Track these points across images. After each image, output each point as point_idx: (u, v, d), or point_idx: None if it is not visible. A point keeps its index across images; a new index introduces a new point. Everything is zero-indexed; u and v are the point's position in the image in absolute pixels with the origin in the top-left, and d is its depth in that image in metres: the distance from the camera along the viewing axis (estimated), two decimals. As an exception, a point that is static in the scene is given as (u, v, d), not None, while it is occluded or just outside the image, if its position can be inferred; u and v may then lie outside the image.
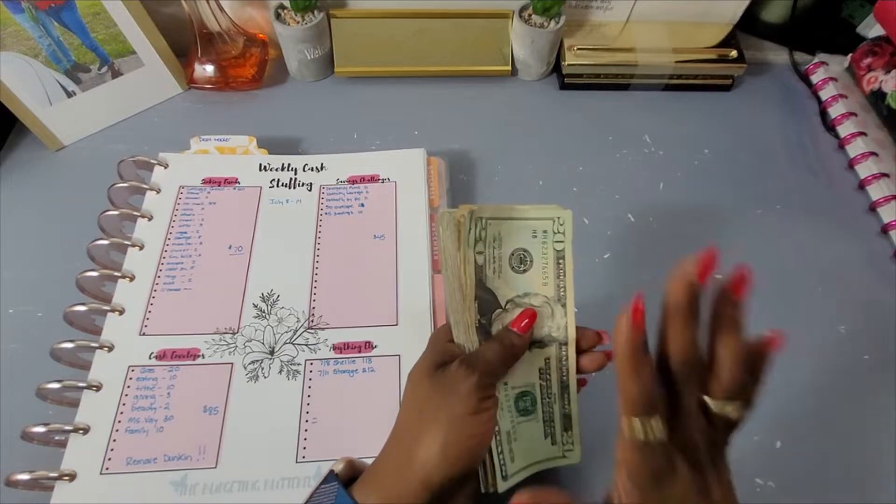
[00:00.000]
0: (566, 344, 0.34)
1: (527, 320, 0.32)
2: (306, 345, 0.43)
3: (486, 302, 0.33)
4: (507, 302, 0.33)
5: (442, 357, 0.31)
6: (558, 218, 0.33)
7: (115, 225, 0.47)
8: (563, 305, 0.34)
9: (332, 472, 0.30)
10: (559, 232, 0.33)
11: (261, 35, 0.62)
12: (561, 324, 0.34)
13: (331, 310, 0.44)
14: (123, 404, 0.39)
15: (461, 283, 0.31)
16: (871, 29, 0.62)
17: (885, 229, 0.53)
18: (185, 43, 0.58)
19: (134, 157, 0.50)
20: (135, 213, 0.47)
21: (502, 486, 0.33)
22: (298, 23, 0.57)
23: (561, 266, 0.34)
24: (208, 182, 0.50)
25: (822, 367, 0.45)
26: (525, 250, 0.33)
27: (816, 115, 0.61)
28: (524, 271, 0.33)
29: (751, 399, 0.26)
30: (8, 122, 0.56)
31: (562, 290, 0.34)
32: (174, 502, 0.36)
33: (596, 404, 0.41)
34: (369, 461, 0.31)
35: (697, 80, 0.62)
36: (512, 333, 0.32)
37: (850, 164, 0.57)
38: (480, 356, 0.31)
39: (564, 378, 0.34)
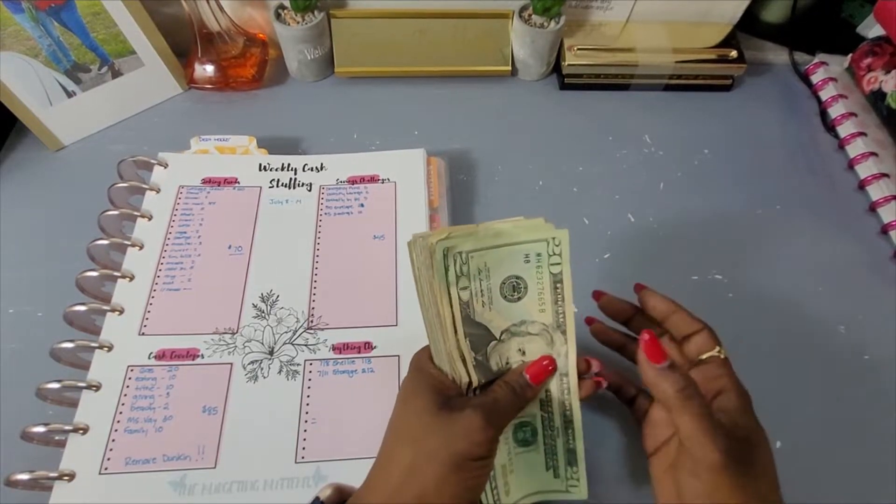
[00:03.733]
0: (567, 375, 0.32)
1: (544, 372, 0.31)
2: (306, 345, 0.43)
3: (479, 337, 0.31)
4: (503, 332, 0.31)
5: (439, 390, 0.30)
6: (553, 239, 0.30)
7: (114, 225, 0.47)
8: (563, 332, 0.32)
9: (317, 499, 0.29)
10: (555, 254, 0.31)
11: (261, 35, 0.62)
12: (561, 352, 0.32)
13: (330, 310, 0.44)
14: (123, 404, 0.39)
15: (440, 315, 0.29)
16: (871, 29, 0.62)
17: (885, 229, 0.52)
18: (185, 43, 0.58)
19: (134, 157, 0.50)
20: (135, 212, 0.47)
21: None
22: (298, 23, 0.57)
23: (559, 290, 0.31)
24: (208, 182, 0.50)
25: (822, 367, 0.45)
26: (518, 277, 0.31)
27: (816, 116, 0.61)
28: (518, 299, 0.31)
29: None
30: (8, 122, 0.56)
31: (561, 315, 0.32)
32: (173, 502, 0.36)
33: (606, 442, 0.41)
34: (365, 464, 0.30)
35: (697, 80, 0.62)
36: (525, 383, 0.31)
37: (850, 164, 0.57)
38: (497, 407, 0.29)
39: (568, 413, 0.33)
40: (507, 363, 0.32)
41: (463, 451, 0.27)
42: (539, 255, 0.31)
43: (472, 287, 0.30)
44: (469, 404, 0.29)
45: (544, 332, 0.32)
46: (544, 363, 0.31)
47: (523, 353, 0.32)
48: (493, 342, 0.31)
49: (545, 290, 0.31)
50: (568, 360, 0.32)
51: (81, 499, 0.36)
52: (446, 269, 0.29)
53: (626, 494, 0.39)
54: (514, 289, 0.31)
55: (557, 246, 0.31)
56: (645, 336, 0.30)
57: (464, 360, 0.30)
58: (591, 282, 0.40)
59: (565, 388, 0.32)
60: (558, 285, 0.31)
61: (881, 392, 0.45)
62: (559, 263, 0.31)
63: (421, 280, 0.30)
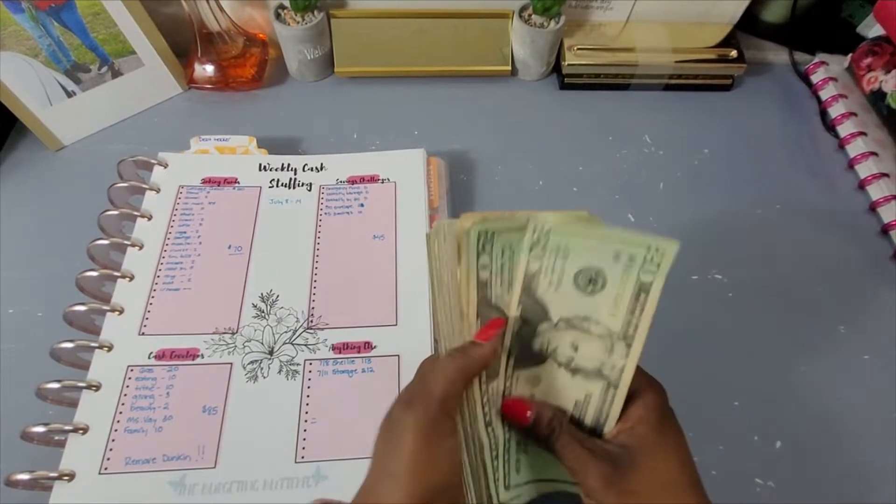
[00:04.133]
0: (616, 388, 0.29)
1: (491, 328, 0.29)
2: (305, 345, 0.43)
3: (533, 310, 0.29)
4: (560, 320, 0.29)
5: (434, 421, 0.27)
6: (657, 248, 0.27)
7: (114, 225, 0.47)
8: (628, 346, 0.29)
9: None
10: (652, 262, 0.28)
11: (261, 35, 0.62)
12: (617, 364, 0.29)
13: (330, 310, 0.44)
14: (122, 404, 0.39)
15: (461, 305, 0.28)
16: (871, 29, 0.62)
17: (885, 229, 0.52)
18: (185, 43, 0.58)
19: (134, 156, 0.50)
20: (134, 212, 0.47)
21: (505, 496, 0.30)
22: (298, 23, 0.57)
23: (641, 301, 0.28)
24: (208, 182, 0.50)
25: (822, 367, 0.45)
26: (599, 270, 0.29)
27: (816, 115, 0.61)
28: (591, 293, 0.29)
29: None
30: (8, 122, 0.56)
31: (632, 328, 0.28)
32: (173, 502, 0.36)
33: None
34: (365, 464, 0.28)
35: (697, 80, 0.62)
36: (472, 343, 0.28)
37: (850, 164, 0.57)
38: (433, 379, 0.27)
39: (602, 422, 0.30)
40: (551, 351, 0.30)
41: (404, 447, 0.26)
42: (632, 257, 0.28)
43: (545, 262, 0.29)
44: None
45: (606, 337, 0.29)
46: (495, 323, 0.29)
47: (576, 348, 0.30)
48: (546, 323, 0.30)
49: (624, 296, 0.28)
50: (622, 375, 0.29)
51: (81, 499, 0.36)
52: (527, 237, 0.28)
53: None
54: (591, 281, 0.29)
55: (660, 255, 0.27)
56: (506, 406, 0.30)
57: (515, 333, 0.29)
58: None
59: (608, 399, 0.30)
60: (642, 295, 0.28)
61: (881, 392, 0.45)
62: (653, 273, 0.28)
63: (441, 271, 0.29)
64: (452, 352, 0.28)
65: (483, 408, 0.29)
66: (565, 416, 0.30)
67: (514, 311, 0.29)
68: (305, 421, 0.40)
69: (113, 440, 0.38)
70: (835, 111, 0.59)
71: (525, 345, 0.30)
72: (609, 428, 0.30)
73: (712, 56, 0.61)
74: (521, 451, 0.31)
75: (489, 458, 0.30)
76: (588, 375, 0.30)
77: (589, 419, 0.30)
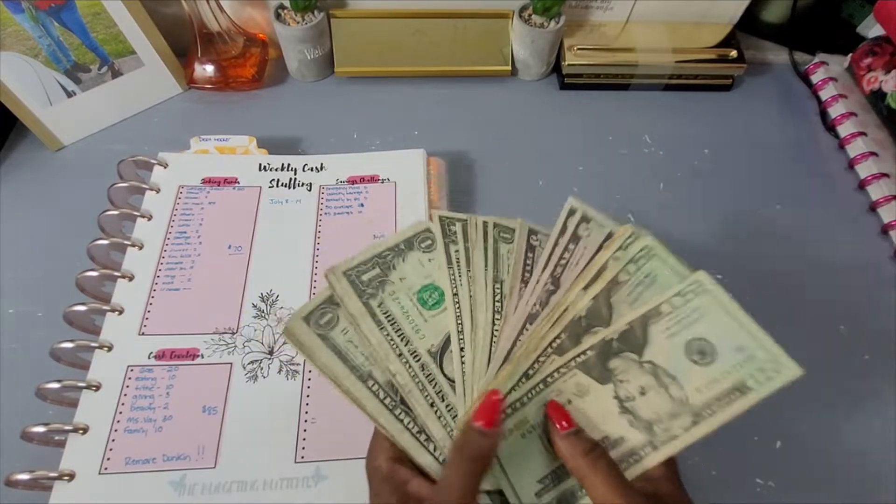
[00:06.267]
0: (656, 450, 0.27)
1: (493, 413, 0.26)
2: (306, 345, 0.43)
3: (634, 337, 0.29)
4: (649, 362, 0.28)
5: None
6: (779, 366, 0.27)
7: (114, 225, 0.47)
8: (695, 423, 0.27)
9: None
10: (766, 372, 0.27)
11: (261, 35, 0.62)
12: (673, 432, 0.27)
13: (330, 310, 0.44)
14: (122, 404, 0.39)
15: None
16: (871, 29, 0.62)
17: (885, 229, 0.52)
18: (185, 43, 0.58)
19: (134, 156, 0.50)
20: (134, 212, 0.47)
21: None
22: (298, 23, 0.57)
23: (733, 398, 0.27)
24: (208, 182, 0.50)
25: (822, 367, 0.45)
26: (716, 351, 0.28)
27: (816, 115, 0.61)
28: (694, 362, 0.28)
29: None
30: (8, 122, 0.56)
31: (709, 412, 0.27)
32: (173, 502, 0.36)
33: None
34: (358, 477, 0.29)
35: (697, 80, 0.62)
36: (475, 433, 0.26)
37: (850, 164, 0.57)
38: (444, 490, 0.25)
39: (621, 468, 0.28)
40: (620, 379, 0.29)
41: None
42: (753, 358, 0.28)
43: (677, 311, 0.29)
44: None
45: (679, 403, 0.28)
46: (493, 398, 0.27)
47: (643, 393, 0.29)
48: (636, 356, 0.29)
49: (722, 384, 0.27)
50: (670, 444, 0.27)
51: (81, 499, 0.36)
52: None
53: None
54: (701, 353, 0.28)
55: (775, 373, 0.28)
56: (554, 402, 0.29)
57: (551, 348, 0.29)
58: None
59: (641, 455, 0.28)
60: (737, 394, 0.27)
61: (881, 392, 0.45)
62: (760, 383, 0.27)
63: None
64: (456, 458, 0.26)
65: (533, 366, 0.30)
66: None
67: (619, 325, 0.29)
68: (305, 421, 0.40)
69: (113, 440, 0.38)
70: (835, 111, 0.59)
71: (605, 358, 0.29)
72: (634, 476, 0.28)
73: (712, 56, 0.61)
74: (521, 424, 0.29)
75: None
76: (636, 423, 0.28)
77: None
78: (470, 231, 0.34)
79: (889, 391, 0.45)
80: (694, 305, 0.29)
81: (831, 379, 0.45)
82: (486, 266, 0.33)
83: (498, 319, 0.31)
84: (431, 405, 0.30)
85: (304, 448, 0.39)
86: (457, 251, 0.34)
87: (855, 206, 0.55)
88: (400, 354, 0.31)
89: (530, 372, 0.30)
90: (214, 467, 0.38)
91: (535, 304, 0.31)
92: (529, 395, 0.30)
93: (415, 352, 0.31)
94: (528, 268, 0.33)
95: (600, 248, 0.32)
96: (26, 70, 0.51)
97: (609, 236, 0.32)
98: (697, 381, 0.28)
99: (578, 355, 0.30)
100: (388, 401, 0.30)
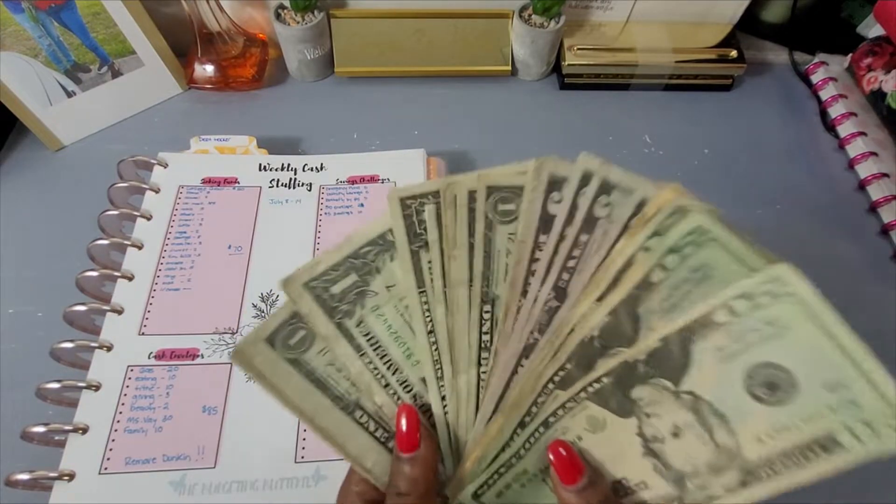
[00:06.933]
0: None
1: (407, 426, 0.23)
2: (306, 345, 0.43)
3: (615, 329, 0.21)
4: (689, 393, 0.21)
5: None
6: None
7: (114, 225, 0.47)
8: (744, 485, 0.20)
9: None
10: (876, 426, 0.19)
11: (261, 35, 0.62)
12: (712, 492, 0.21)
13: (330, 310, 0.44)
14: (122, 404, 0.39)
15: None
16: (871, 29, 0.62)
17: (885, 229, 0.52)
18: (185, 43, 0.58)
19: (134, 157, 0.50)
20: (134, 212, 0.47)
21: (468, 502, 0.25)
22: (298, 23, 0.57)
23: (810, 456, 0.20)
24: (208, 182, 0.50)
25: (822, 368, 0.45)
26: (796, 384, 0.19)
27: (816, 115, 0.61)
28: (756, 398, 0.20)
29: None
30: (8, 122, 0.56)
31: (767, 471, 0.20)
32: (173, 502, 0.36)
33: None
34: None
35: (697, 80, 0.62)
36: (401, 462, 0.23)
37: (850, 164, 0.57)
38: None
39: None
40: (646, 413, 0.22)
41: None
42: (856, 403, 0.19)
43: (672, 278, 0.21)
44: None
45: (727, 455, 0.20)
46: (405, 411, 0.23)
47: (676, 436, 0.21)
48: (669, 384, 0.21)
49: (798, 434, 0.19)
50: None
51: (81, 499, 0.36)
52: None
53: None
54: (771, 387, 0.19)
55: (887, 426, 0.18)
56: (558, 450, 0.23)
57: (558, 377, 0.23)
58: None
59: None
60: (819, 450, 0.19)
61: (881, 392, 0.45)
62: (860, 443, 0.19)
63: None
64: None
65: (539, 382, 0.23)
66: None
67: (649, 341, 0.21)
68: (305, 421, 0.40)
69: (113, 440, 0.38)
70: (835, 111, 0.59)
71: (627, 386, 0.22)
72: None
73: (712, 56, 0.61)
74: (520, 477, 0.25)
75: (492, 451, 0.24)
76: (663, 471, 0.21)
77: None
78: (447, 217, 0.24)
79: (889, 391, 0.45)
80: (768, 315, 0.20)
81: (831, 379, 0.45)
82: (470, 278, 0.24)
83: (485, 359, 0.24)
84: None
85: (304, 448, 0.39)
86: (430, 262, 0.24)
87: (855, 206, 0.55)
88: (387, 385, 0.25)
89: (526, 420, 0.24)
90: (214, 467, 0.38)
91: (531, 332, 0.23)
92: (526, 447, 0.24)
93: (405, 381, 0.25)
94: (538, 258, 0.24)
95: (625, 228, 0.22)
96: (26, 70, 0.51)
97: (640, 207, 0.22)
98: (759, 426, 0.20)
99: (590, 384, 0.22)
100: (379, 433, 0.25)
